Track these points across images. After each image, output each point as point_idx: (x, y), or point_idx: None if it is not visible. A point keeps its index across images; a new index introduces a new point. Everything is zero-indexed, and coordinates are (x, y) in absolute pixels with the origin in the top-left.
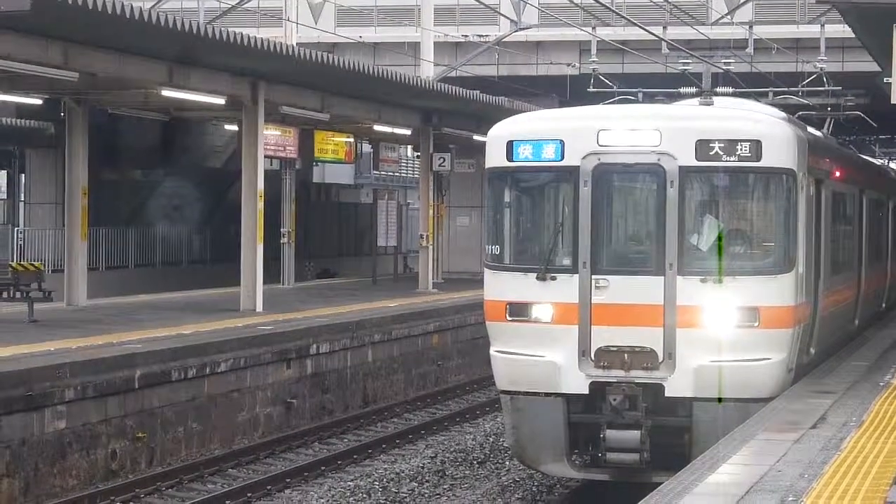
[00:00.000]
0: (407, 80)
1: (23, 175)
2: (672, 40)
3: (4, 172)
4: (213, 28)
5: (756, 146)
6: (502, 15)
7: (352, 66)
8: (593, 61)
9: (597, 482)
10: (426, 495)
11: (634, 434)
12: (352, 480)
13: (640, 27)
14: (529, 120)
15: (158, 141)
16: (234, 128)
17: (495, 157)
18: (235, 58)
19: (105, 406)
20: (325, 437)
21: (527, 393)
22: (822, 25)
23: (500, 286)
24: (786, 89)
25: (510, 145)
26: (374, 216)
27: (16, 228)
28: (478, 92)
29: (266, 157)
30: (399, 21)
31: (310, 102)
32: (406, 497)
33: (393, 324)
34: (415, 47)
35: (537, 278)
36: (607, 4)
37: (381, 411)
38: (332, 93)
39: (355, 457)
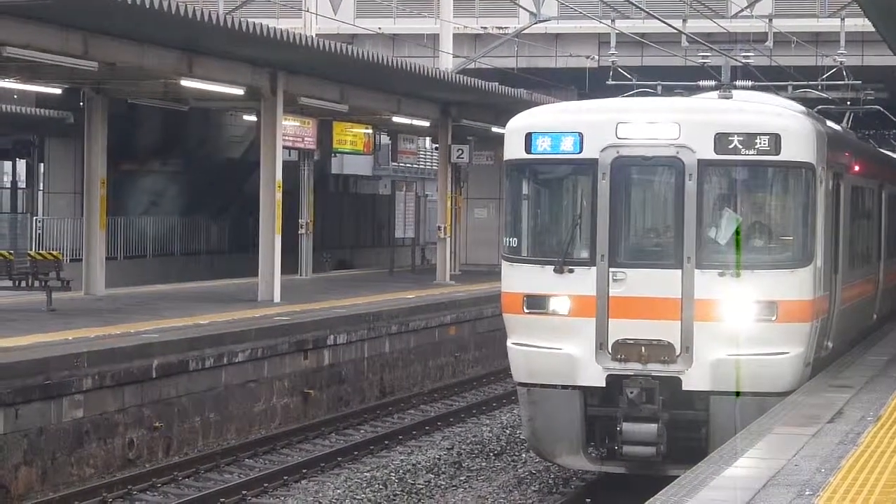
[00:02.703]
0: (426, 72)
1: (42, 164)
2: (691, 33)
3: (24, 161)
4: (233, 18)
5: (775, 140)
6: (522, 7)
7: (371, 57)
8: (612, 54)
9: (613, 475)
10: (442, 487)
11: (651, 427)
12: (368, 471)
13: (659, 20)
14: (548, 112)
15: (177, 131)
16: (253, 118)
17: (514, 150)
18: (254, 48)
19: (122, 395)
20: (341, 427)
21: (544, 385)
22: (842, 19)
23: (518, 278)
24: (805, 83)
25: (529, 137)
26: (392, 207)
27: (34, 217)
28: (496, 84)
29: (284, 147)
30: (418, 12)
31: (329, 93)
32: (422, 488)
33: (410, 315)
34: (434, 39)
35: (555, 271)
36: None
37: (397, 402)
38: (351, 84)
39: (372, 448)
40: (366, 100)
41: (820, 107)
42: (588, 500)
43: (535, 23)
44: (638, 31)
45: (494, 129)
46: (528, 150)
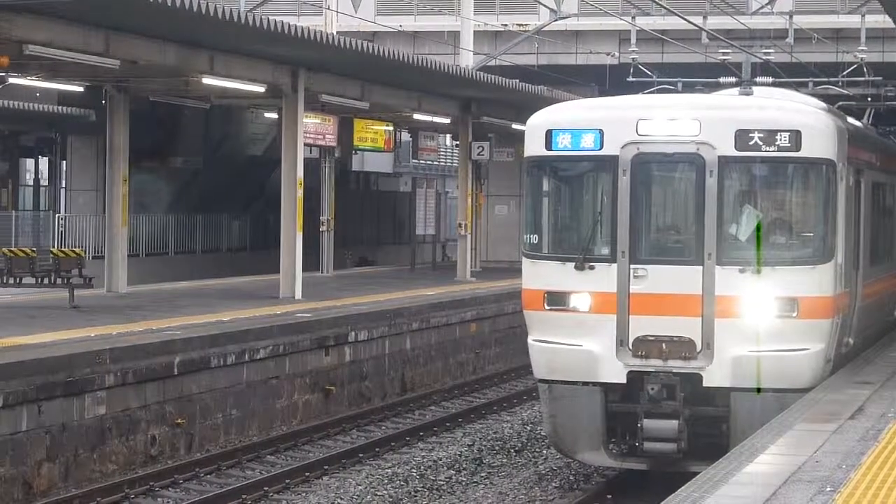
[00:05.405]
0: (446, 69)
1: (64, 162)
2: (712, 30)
3: (46, 159)
4: (254, 16)
5: (796, 136)
6: (542, 4)
7: (392, 54)
8: (633, 51)
9: (634, 471)
10: (463, 483)
11: (672, 424)
12: (389, 467)
13: (679, 17)
14: (569, 109)
15: (198, 128)
16: (274, 115)
17: (534, 146)
18: (276, 46)
19: (144, 392)
20: (363, 424)
21: (564, 382)
22: (863, 16)
23: (539, 275)
24: (826, 79)
25: (549, 134)
26: (413, 204)
27: (57, 215)
28: (517, 81)
29: (306, 145)
30: (439, 10)
31: (350, 91)
32: (443, 484)
33: (431, 312)
34: (454, 36)
35: (576, 268)
36: None
37: (418, 399)
38: (371, 81)
39: (393, 444)
40: (386, 97)
41: (841, 103)
42: (609, 496)
43: (556, 20)
44: (658, 27)
45: (515, 126)
46: (548, 146)
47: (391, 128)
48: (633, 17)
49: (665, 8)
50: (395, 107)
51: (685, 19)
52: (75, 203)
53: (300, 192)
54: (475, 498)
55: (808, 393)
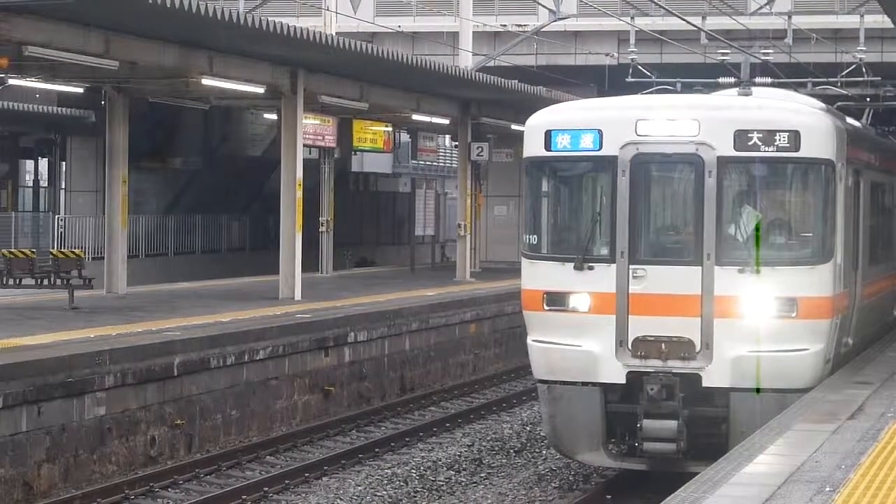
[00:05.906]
0: (445, 70)
1: (64, 163)
2: (711, 30)
3: (46, 160)
4: (253, 17)
5: (794, 137)
6: (541, 5)
7: (391, 55)
8: (632, 51)
9: (633, 471)
10: (463, 483)
11: (671, 424)
12: (389, 468)
13: (678, 17)
14: (568, 109)
15: (198, 129)
16: (273, 116)
17: (533, 147)
18: (275, 47)
19: (144, 393)
20: (362, 424)
21: (564, 382)
22: (862, 16)
23: (538, 276)
24: (825, 80)
25: (548, 135)
26: (413, 205)
27: (56, 216)
28: (516, 81)
29: (305, 145)
30: (438, 10)
31: (349, 91)
32: (443, 485)
33: (430, 312)
34: (453, 37)
35: (575, 268)
36: None
37: (418, 399)
38: (371, 82)
39: (393, 444)
40: (385, 98)
41: (840, 103)
42: (608, 496)
43: (555, 20)
44: (657, 28)
45: (514, 127)
46: (547, 147)
47: (390, 128)
48: (632, 18)
49: (664, 8)
50: (394, 107)
51: (684, 20)
52: (75, 204)
53: (299, 193)
54: (475, 498)
55: (808, 393)
